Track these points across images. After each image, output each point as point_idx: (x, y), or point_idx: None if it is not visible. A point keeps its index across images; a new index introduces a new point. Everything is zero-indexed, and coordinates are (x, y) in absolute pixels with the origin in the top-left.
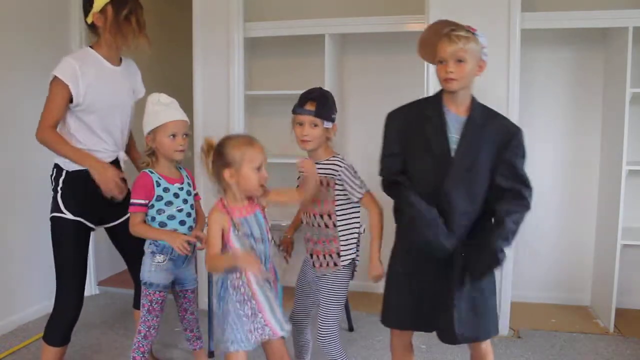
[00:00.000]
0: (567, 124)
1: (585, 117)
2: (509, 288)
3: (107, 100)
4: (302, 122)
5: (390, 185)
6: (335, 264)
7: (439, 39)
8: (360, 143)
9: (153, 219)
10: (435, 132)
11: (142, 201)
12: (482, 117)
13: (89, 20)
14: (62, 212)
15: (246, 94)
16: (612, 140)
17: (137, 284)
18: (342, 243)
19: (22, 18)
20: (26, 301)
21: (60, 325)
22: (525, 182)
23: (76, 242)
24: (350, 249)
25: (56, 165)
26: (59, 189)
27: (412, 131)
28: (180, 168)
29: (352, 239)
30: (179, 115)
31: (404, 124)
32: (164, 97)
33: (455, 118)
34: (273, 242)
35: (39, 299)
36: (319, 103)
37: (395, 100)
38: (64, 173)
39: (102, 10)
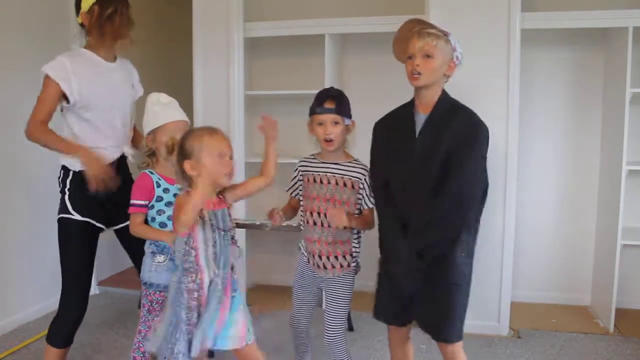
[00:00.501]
0: (567, 124)
1: (585, 117)
2: (509, 288)
3: (106, 95)
4: (323, 121)
5: (374, 195)
6: (349, 265)
7: (410, 37)
8: (360, 143)
9: (153, 219)
10: (404, 134)
11: (142, 202)
12: (444, 114)
13: (79, 20)
14: (70, 213)
15: (246, 94)
16: (612, 140)
17: None
18: (354, 244)
19: (22, 18)
20: (26, 301)
21: (63, 327)
22: (458, 174)
23: (84, 243)
24: (359, 250)
25: (63, 167)
26: (66, 190)
27: (391, 138)
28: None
29: (360, 240)
30: (179, 115)
31: (385, 132)
32: (163, 97)
33: (421, 117)
34: (236, 246)
35: (39, 299)
36: (338, 100)
37: (395, 101)
38: (70, 174)
39: (90, 10)
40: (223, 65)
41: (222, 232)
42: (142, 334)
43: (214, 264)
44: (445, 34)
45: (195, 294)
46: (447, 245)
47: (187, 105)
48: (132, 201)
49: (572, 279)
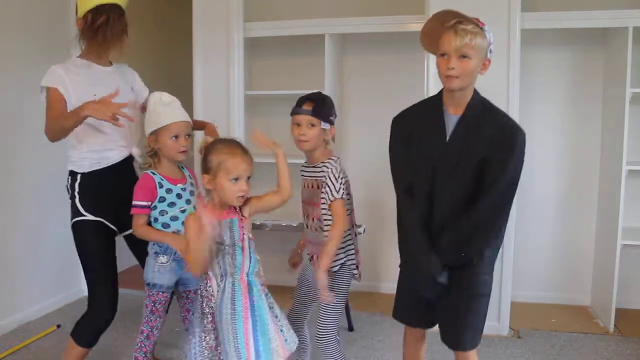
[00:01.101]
0: (567, 124)
1: (585, 117)
2: (509, 288)
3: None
4: (299, 122)
5: (398, 198)
6: (344, 264)
7: (444, 30)
8: (361, 143)
9: (156, 220)
10: (433, 136)
11: (144, 203)
12: (477, 115)
13: (76, 25)
14: (82, 215)
15: (246, 94)
16: (612, 140)
17: None
18: (345, 243)
19: (22, 18)
20: (26, 301)
21: (89, 329)
22: (498, 183)
23: (101, 243)
24: (339, 255)
25: (70, 172)
26: (75, 193)
27: (414, 136)
28: (183, 168)
29: (340, 247)
30: (181, 116)
31: (407, 130)
32: (165, 96)
33: (452, 119)
34: (249, 251)
35: (39, 298)
36: (317, 103)
37: (395, 101)
38: (78, 177)
39: (84, 17)
40: (223, 65)
41: (223, 246)
42: (145, 334)
43: (220, 272)
44: (481, 26)
45: (207, 301)
46: (473, 260)
47: (187, 105)
48: (134, 202)
49: (572, 279)
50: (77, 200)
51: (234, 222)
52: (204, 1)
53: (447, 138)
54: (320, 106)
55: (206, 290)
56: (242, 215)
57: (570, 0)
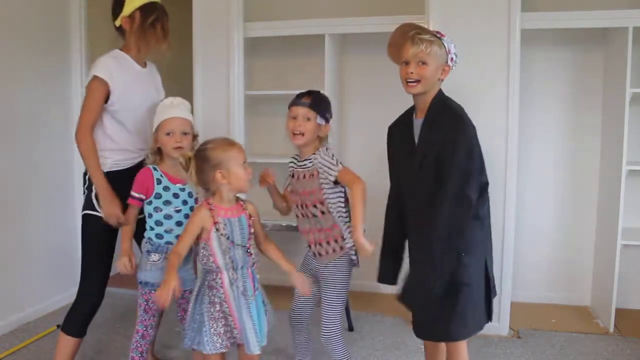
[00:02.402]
0: (567, 124)
1: (585, 117)
2: (509, 288)
3: (139, 99)
4: (295, 115)
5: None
6: (342, 248)
7: (404, 41)
8: (360, 143)
9: (150, 215)
10: (404, 142)
11: (137, 195)
12: (434, 115)
13: (117, 23)
14: (95, 210)
15: (246, 94)
16: (612, 140)
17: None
18: (342, 227)
19: (22, 20)
20: (26, 301)
21: (80, 316)
22: (450, 174)
23: (106, 238)
24: (350, 230)
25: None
26: (93, 187)
27: (395, 145)
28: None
29: (348, 221)
30: (177, 113)
31: (392, 139)
32: (176, 100)
33: (418, 123)
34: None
35: (39, 298)
36: (315, 98)
37: (395, 101)
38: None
39: (131, 15)
40: (223, 65)
41: (235, 245)
42: (140, 334)
43: (232, 266)
44: (440, 37)
45: (215, 291)
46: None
47: None
48: (130, 192)
49: (572, 279)
50: (93, 195)
51: (243, 220)
52: (204, 1)
53: (416, 142)
54: (318, 100)
55: (215, 282)
56: (249, 214)
57: (570, 0)
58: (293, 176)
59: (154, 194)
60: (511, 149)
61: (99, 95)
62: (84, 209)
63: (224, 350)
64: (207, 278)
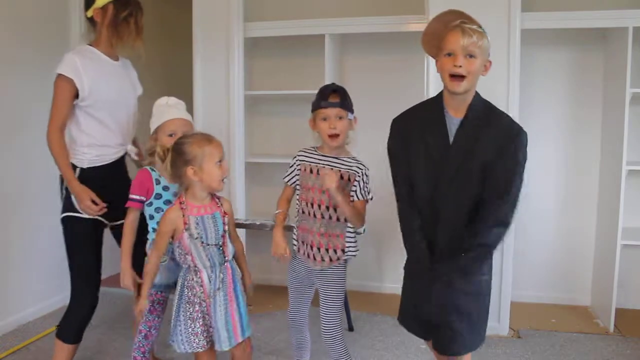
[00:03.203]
0: (567, 124)
1: (585, 117)
2: (509, 288)
3: (113, 93)
4: (327, 116)
5: (398, 202)
6: (338, 259)
7: (448, 31)
8: (361, 143)
9: (152, 217)
10: (435, 138)
11: (138, 197)
12: (480, 118)
13: (89, 14)
14: (78, 212)
15: (246, 94)
16: (612, 140)
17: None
18: (348, 239)
19: (22, 20)
20: (26, 301)
21: (74, 323)
22: (507, 197)
23: (91, 240)
24: (354, 246)
25: (70, 164)
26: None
27: (414, 138)
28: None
29: (352, 235)
30: (178, 114)
31: (407, 132)
32: (171, 100)
33: (453, 121)
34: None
35: (39, 299)
36: (342, 95)
37: (395, 101)
38: (77, 170)
39: (104, 7)
40: (223, 65)
41: (206, 245)
42: (143, 334)
43: (210, 265)
44: (483, 28)
45: (194, 290)
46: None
47: (187, 105)
48: (130, 195)
49: (572, 279)
50: (72, 196)
51: (217, 217)
52: (204, 1)
53: (451, 141)
54: (345, 97)
55: (195, 282)
56: (224, 211)
57: (570, 0)
58: (309, 171)
59: (154, 195)
60: None
61: (66, 94)
62: (64, 211)
63: (200, 350)
64: (187, 278)
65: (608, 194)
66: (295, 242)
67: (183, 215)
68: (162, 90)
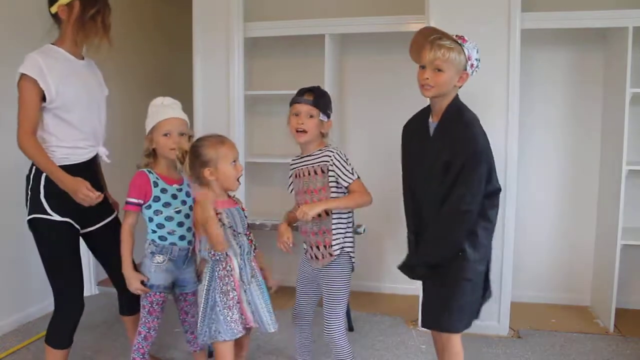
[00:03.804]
0: (567, 124)
1: (585, 117)
2: (509, 288)
3: (81, 93)
4: (298, 112)
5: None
6: (331, 255)
7: (424, 45)
8: (361, 143)
9: (151, 219)
10: (418, 142)
11: (135, 200)
12: (448, 122)
13: (54, 10)
14: (47, 214)
15: (246, 94)
16: (612, 140)
17: (120, 291)
18: (338, 232)
19: (22, 19)
20: (26, 301)
21: (63, 328)
22: (454, 196)
23: (68, 242)
24: (338, 238)
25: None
26: (41, 188)
27: (408, 144)
28: (182, 172)
29: (340, 228)
30: (173, 113)
31: (406, 138)
32: (167, 100)
33: (432, 126)
34: (252, 243)
35: (39, 299)
36: (317, 94)
37: (395, 101)
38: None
39: (70, 4)
40: (223, 65)
41: (237, 234)
42: (142, 335)
43: (240, 252)
44: (461, 42)
45: (227, 280)
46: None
47: (187, 105)
48: (127, 199)
49: (572, 279)
50: (42, 196)
51: (240, 210)
52: (203, 1)
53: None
54: (320, 97)
55: (226, 270)
56: (241, 205)
57: (570, 0)
58: (297, 176)
59: (152, 197)
60: (511, 148)
61: (32, 95)
62: (31, 212)
63: (240, 335)
64: (216, 269)
65: (608, 193)
66: (304, 247)
67: (214, 208)
68: (162, 90)
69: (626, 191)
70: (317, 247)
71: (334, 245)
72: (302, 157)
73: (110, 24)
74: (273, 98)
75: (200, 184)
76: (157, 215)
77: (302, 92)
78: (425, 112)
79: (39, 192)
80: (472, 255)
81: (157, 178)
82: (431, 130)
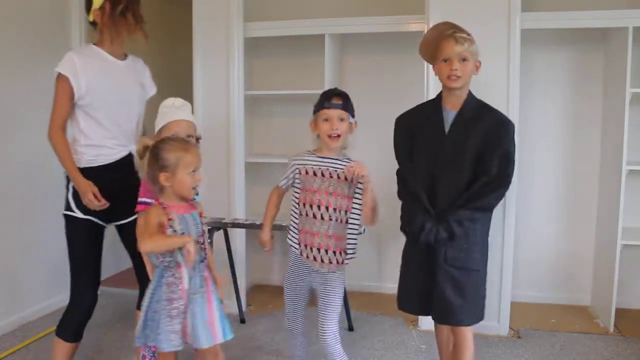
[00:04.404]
0: (567, 124)
1: (585, 117)
2: (509, 288)
3: (112, 92)
4: (329, 117)
5: (401, 185)
6: (341, 262)
7: (442, 40)
8: (360, 143)
9: None
10: (433, 129)
11: (148, 200)
12: (473, 111)
13: (91, 18)
14: (72, 211)
15: (246, 94)
16: (612, 140)
17: (142, 285)
18: (349, 241)
19: (23, 18)
20: (26, 301)
21: (74, 321)
22: (498, 175)
23: (87, 239)
24: (354, 249)
25: (73, 161)
26: (69, 186)
27: (416, 130)
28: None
29: (356, 238)
30: (183, 116)
31: (410, 127)
32: (178, 101)
33: (449, 114)
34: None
35: (39, 298)
36: (345, 98)
37: (395, 101)
38: None
39: (101, 7)
40: (223, 65)
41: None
42: None
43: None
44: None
45: (174, 287)
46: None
47: None
48: (139, 199)
49: (572, 279)
50: (69, 194)
51: (195, 216)
52: (204, 1)
53: (446, 131)
54: (348, 100)
55: (174, 277)
56: (200, 211)
57: (570, 0)
58: (315, 174)
59: None
60: None
61: (64, 93)
62: (64, 208)
63: (179, 348)
64: (164, 275)
65: (608, 194)
66: (296, 245)
67: (165, 214)
68: (162, 90)
69: (626, 191)
70: (326, 251)
71: (350, 254)
72: (324, 158)
73: (142, 16)
74: (273, 98)
75: (154, 184)
76: None
77: (329, 96)
78: (433, 102)
79: (68, 190)
80: (477, 247)
81: None
82: (449, 118)
